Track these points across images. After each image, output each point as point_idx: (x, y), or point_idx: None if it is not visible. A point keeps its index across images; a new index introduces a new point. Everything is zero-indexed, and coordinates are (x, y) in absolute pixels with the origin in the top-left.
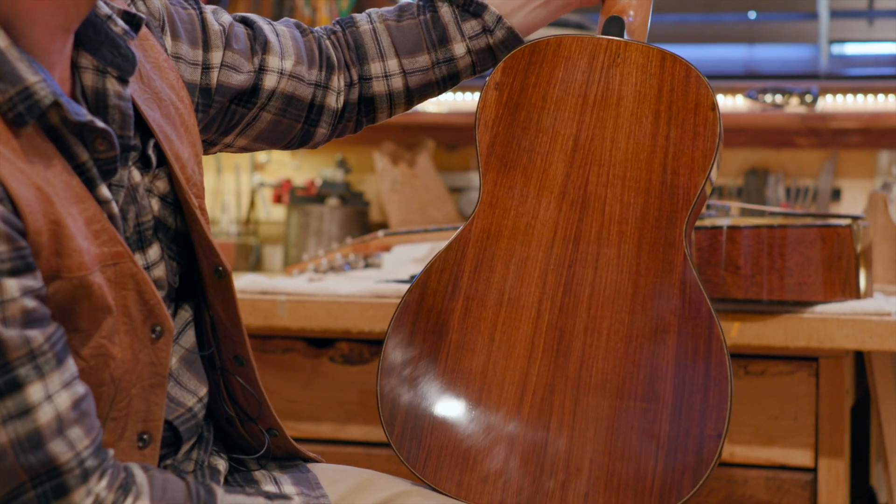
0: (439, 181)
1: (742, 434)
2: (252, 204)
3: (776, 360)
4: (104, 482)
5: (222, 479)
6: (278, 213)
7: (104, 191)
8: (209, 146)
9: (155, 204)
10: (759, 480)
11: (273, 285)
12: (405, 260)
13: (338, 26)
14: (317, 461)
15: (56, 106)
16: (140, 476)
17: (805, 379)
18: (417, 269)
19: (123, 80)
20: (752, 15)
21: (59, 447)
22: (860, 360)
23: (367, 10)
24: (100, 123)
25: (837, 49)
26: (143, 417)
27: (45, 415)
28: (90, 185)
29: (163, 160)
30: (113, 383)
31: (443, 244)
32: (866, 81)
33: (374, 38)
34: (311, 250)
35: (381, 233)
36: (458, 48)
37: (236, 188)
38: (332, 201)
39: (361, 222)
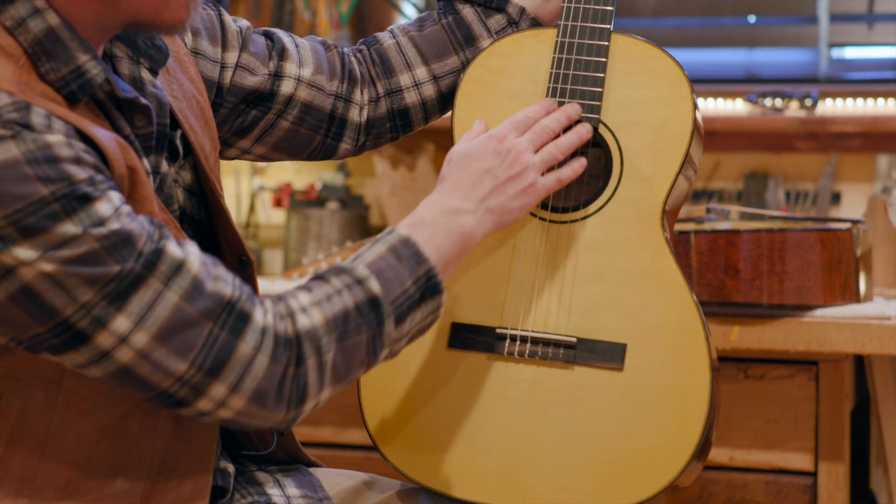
0: None
1: (742, 438)
2: (252, 208)
3: (776, 364)
4: (269, 302)
5: (232, 481)
6: (278, 216)
7: (145, 163)
8: (225, 147)
9: (180, 194)
10: (758, 484)
11: (273, 289)
12: None
13: (362, 45)
14: (317, 465)
15: (106, 82)
16: (289, 292)
17: (805, 383)
18: None
19: (154, 72)
20: (752, 19)
21: (218, 285)
22: (860, 363)
23: (388, 27)
24: (143, 100)
25: (837, 53)
26: None
27: (193, 264)
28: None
29: (187, 151)
30: None
31: None
32: (866, 85)
33: (399, 50)
34: (311, 254)
35: None
36: (487, 45)
37: (236, 192)
38: (332, 205)
39: (361, 226)
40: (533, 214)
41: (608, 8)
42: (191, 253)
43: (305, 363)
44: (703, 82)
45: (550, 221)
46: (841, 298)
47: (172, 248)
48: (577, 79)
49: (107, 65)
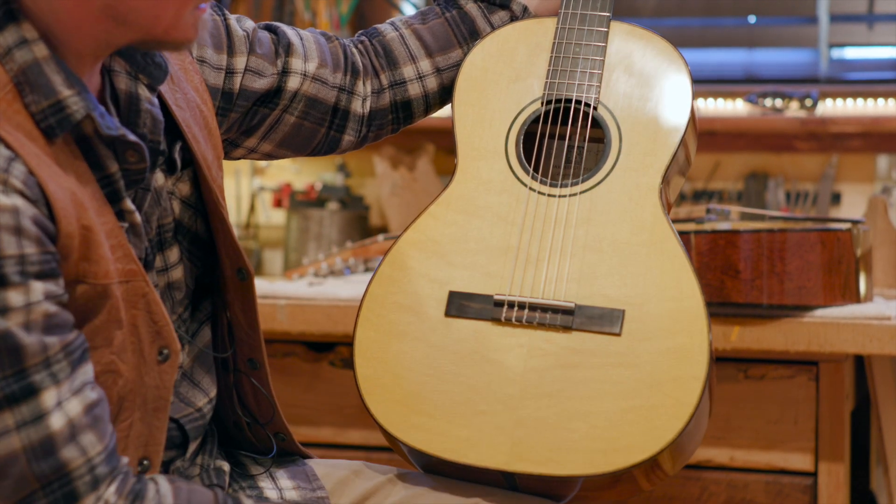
0: (439, 185)
1: (742, 438)
2: (252, 208)
3: (776, 365)
4: (113, 487)
5: (227, 479)
6: (278, 217)
7: (128, 203)
8: (231, 147)
9: (176, 206)
10: (759, 485)
11: (273, 289)
12: None
13: (363, 36)
14: (309, 458)
15: (88, 119)
16: (164, 486)
17: (805, 383)
18: None
19: (152, 88)
20: (753, 19)
21: (71, 453)
22: (860, 364)
23: (389, 20)
24: (131, 137)
25: (837, 53)
26: (145, 442)
27: (57, 421)
28: (114, 198)
29: (187, 163)
30: (119, 402)
31: None
32: (866, 85)
33: (403, 42)
34: (311, 254)
35: (381, 237)
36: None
37: (236, 192)
38: (332, 205)
39: (361, 226)
40: (532, 189)
41: None
42: (65, 407)
43: None
44: (703, 82)
45: (549, 196)
46: (841, 299)
47: (46, 396)
48: (577, 62)
49: (105, 79)
